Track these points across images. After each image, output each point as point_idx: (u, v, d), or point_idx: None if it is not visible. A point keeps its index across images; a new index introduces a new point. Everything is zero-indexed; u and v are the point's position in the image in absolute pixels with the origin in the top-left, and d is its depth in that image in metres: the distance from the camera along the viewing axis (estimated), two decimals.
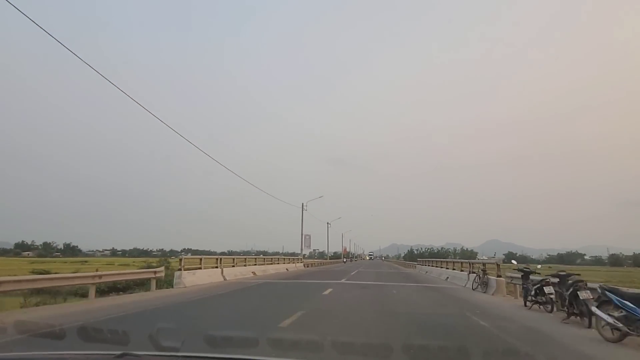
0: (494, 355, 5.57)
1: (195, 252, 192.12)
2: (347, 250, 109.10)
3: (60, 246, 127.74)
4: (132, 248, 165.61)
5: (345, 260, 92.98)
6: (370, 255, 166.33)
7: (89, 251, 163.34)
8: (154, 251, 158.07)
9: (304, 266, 40.03)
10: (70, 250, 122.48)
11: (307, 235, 40.01)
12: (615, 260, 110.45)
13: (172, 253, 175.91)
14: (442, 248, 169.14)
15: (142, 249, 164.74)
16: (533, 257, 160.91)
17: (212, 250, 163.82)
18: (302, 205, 54.26)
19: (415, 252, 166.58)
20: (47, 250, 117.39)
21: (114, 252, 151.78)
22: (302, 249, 68.31)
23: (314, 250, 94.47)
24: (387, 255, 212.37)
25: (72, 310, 9.27)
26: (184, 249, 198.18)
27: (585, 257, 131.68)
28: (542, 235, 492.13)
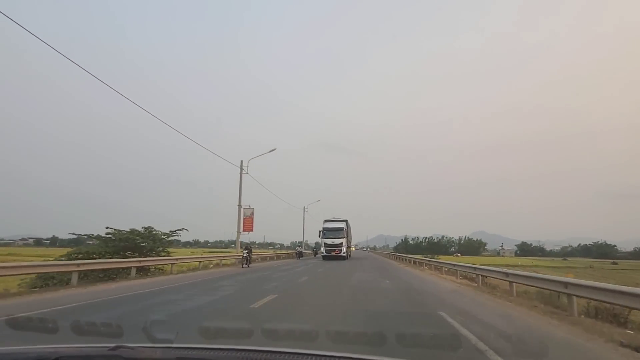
0: None
1: None
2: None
3: None
4: (76, 236, 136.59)
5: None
6: (327, 233, 39.61)
7: (10, 239, 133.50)
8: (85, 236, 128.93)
9: None
10: None
11: None
12: None
13: None
14: (442, 237, 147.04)
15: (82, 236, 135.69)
16: (550, 250, 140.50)
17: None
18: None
19: (411, 242, 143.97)
20: None
21: (38, 242, 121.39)
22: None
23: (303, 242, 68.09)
24: (375, 247, 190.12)
25: None
26: None
27: (617, 249, 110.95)
28: (527, 227, 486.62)
